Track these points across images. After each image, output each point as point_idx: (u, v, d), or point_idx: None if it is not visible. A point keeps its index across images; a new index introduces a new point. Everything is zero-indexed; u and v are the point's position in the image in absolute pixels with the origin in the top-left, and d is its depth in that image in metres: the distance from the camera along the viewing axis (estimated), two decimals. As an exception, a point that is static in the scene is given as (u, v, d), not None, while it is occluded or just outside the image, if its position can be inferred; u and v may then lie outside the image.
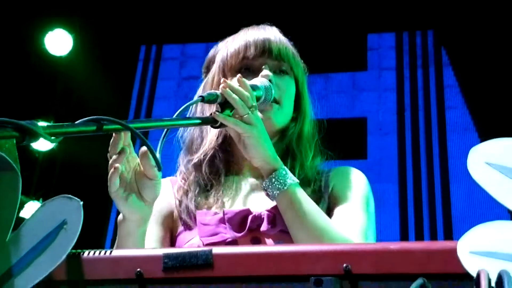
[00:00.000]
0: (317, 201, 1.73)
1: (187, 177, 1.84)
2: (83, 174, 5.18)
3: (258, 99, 1.69)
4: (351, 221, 1.69)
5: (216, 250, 0.97)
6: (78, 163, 5.30)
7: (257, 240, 1.67)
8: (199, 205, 1.77)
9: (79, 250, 1.00)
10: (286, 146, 1.86)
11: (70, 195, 0.93)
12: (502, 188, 0.95)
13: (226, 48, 1.88)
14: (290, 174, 1.63)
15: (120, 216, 1.48)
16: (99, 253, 1.00)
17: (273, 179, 1.61)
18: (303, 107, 1.92)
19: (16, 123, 0.98)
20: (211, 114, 1.58)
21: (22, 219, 0.95)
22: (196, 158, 1.83)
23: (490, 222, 0.92)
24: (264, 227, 1.66)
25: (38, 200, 5.37)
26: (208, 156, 1.83)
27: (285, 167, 1.64)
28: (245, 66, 1.83)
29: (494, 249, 0.88)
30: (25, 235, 0.92)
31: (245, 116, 1.57)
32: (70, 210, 0.91)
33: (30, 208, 5.17)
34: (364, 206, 1.76)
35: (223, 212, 1.69)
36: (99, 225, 5.16)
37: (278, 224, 1.65)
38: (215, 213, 1.71)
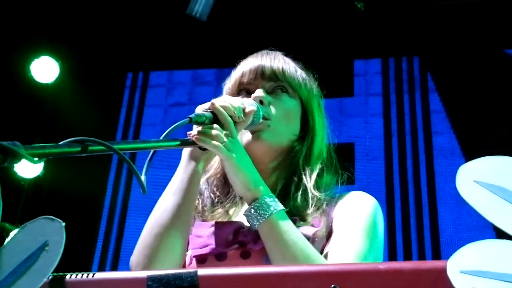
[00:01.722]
0: (316, 226, 1.71)
1: (202, 192, 1.87)
2: (69, 201, 5.13)
3: None
4: (347, 247, 1.64)
5: (202, 272, 0.95)
6: (64, 189, 5.25)
7: (246, 254, 1.65)
8: (206, 218, 1.79)
9: (61, 273, 0.98)
10: (294, 166, 1.85)
11: (51, 216, 0.91)
12: (490, 206, 0.95)
13: (229, 79, 1.95)
14: (273, 203, 1.60)
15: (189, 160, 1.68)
16: (82, 276, 0.98)
17: (252, 210, 1.59)
18: (311, 125, 1.92)
19: (-4, 143, 0.96)
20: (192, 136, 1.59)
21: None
22: (208, 174, 1.89)
23: (480, 241, 0.91)
24: (253, 241, 1.64)
25: (23, 228, 5.30)
26: (218, 175, 1.89)
27: (269, 195, 1.61)
28: (242, 90, 1.88)
29: (485, 268, 0.87)
30: (5, 258, 0.90)
31: (222, 143, 1.58)
32: (52, 231, 0.89)
33: (15, 237, 5.11)
34: (365, 231, 1.69)
35: (214, 224, 1.68)
36: (86, 251, 5.11)
37: None
38: (212, 225, 1.71)
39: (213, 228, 1.69)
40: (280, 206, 1.61)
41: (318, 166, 1.87)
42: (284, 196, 1.74)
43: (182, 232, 1.64)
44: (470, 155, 4.89)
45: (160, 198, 1.69)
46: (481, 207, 0.94)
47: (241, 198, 1.82)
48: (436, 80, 5.34)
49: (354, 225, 1.71)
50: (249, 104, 1.74)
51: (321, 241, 1.68)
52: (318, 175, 1.85)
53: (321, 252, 1.65)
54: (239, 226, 1.68)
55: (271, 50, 1.98)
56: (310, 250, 1.57)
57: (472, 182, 0.97)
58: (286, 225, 1.59)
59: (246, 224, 1.68)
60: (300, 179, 1.81)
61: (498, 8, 5.27)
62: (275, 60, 1.90)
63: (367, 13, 5.50)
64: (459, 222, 4.64)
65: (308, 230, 1.67)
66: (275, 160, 1.85)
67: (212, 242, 1.66)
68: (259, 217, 1.58)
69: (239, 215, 1.81)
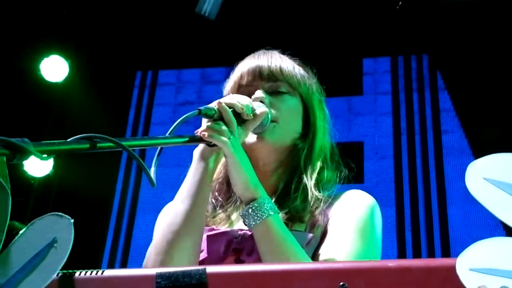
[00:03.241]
0: (312, 225, 1.71)
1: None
2: (79, 199, 5.14)
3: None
4: (339, 249, 1.63)
5: (210, 269, 0.95)
6: (74, 188, 5.27)
7: (240, 262, 1.65)
8: (207, 223, 1.78)
9: (70, 271, 0.98)
10: (295, 164, 1.84)
11: (60, 213, 0.91)
12: (499, 203, 0.94)
13: (228, 81, 1.95)
14: (269, 206, 1.59)
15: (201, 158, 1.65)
16: (91, 273, 0.98)
17: (250, 210, 1.59)
18: (312, 122, 1.91)
19: (6, 140, 0.96)
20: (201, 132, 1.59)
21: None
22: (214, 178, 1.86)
23: (489, 239, 0.90)
24: (247, 253, 1.65)
25: (33, 226, 5.32)
26: (221, 179, 1.88)
27: (266, 197, 1.61)
28: (242, 93, 1.85)
29: (494, 265, 0.86)
30: (14, 254, 0.90)
31: (229, 139, 1.58)
32: (61, 228, 0.89)
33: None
34: (359, 231, 1.67)
35: (208, 230, 1.69)
36: (96, 249, 5.13)
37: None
38: (209, 230, 1.71)
39: (206, 235, 1.69)
40: (277, 210, 1.61)
41: (319, 163, 1.86)
42: (284, 196, 1.74)
43: (196, 236, 1.62)
44: (479, 154, 4.84)
45: (173, 202, 1.68)
46: (490, 204, 0.94)
47: (242, 202, 1.83)
48: (446, 79, 5.32)
49: (347, 225, 1.69)
50: (258, 106, 1.74)
51: (316, 242, 1.67)
52: (318, 172, 1.84)
53: (315, 253, 1.65)
54: (232, 236, 1.68)
55: (268, 49, 1.97)
56: (302, 256, 1.57)
57: (481, 179, 0.97)
58: (281, 228, 1.58)
59: (242, 228, 1.68)
60: (301, 178, 1.81)
61: (507, 6, 5.25)
62: (272, 59, 1.89)
63: (376, 12, 5.49)
64: (469, 220, 4.63)
65: (303, 235, 1.67)
66: (277, 160, 1.85)
67: (207, 248, 1.67)
68: (255, 217, 1.57)
69: (240, 220, 1.80)
